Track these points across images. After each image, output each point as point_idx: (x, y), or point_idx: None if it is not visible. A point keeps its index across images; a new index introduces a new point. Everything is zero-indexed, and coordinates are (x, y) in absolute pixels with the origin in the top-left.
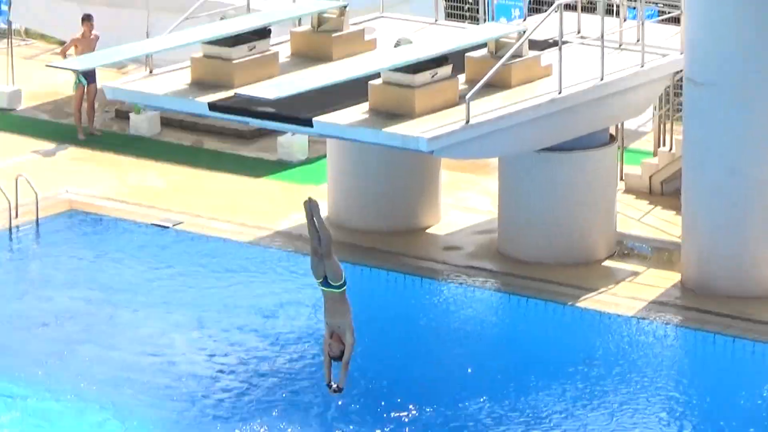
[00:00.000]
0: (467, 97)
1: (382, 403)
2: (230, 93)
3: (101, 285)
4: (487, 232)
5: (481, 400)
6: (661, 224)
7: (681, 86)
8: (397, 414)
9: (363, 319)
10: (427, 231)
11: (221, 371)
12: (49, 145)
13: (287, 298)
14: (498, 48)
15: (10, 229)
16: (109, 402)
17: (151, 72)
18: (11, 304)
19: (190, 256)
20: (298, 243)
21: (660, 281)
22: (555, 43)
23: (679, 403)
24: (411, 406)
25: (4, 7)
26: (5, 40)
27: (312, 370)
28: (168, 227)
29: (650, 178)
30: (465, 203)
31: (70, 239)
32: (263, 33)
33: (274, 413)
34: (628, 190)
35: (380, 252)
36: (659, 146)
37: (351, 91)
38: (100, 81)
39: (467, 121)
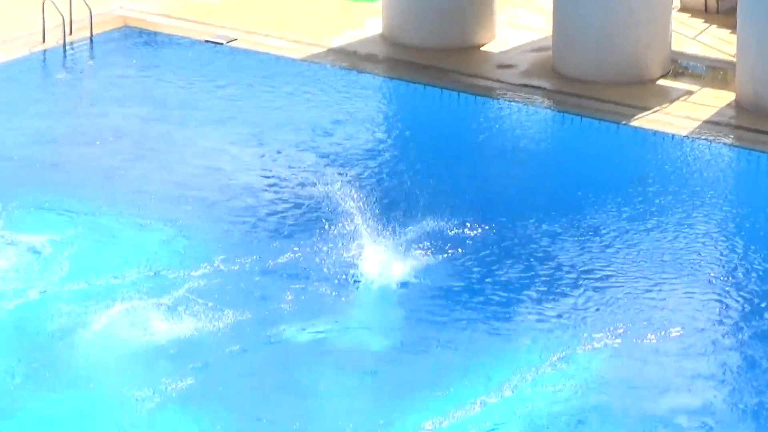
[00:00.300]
0: None
1: (439, 219)
2: None
3: (155, 101)
4: (542, 50)
5: (536, 217)
6: (716, 43)
7: None
8: (454, 231)
9: (418, 136)
10: (482, 48)
11: (275, 186)
12: None
13: (342, 116)
14: None
15: (65, 45)
16: (170, 218)
17: None
18: (66, 121)
19: (244, 73)
20: (352, 59)
21: (714, 100)
22: None
23: (732, 220)
24: (467, 223)
25: None
26: None
27: (365, 185)
28: (222, 44)
29: None
30: (519, 21)
31: (124, 56)
32: None
33: (325, 227)
34: (683, 8)
35: (434, 69)
36: None
37: None
38: None
39: None
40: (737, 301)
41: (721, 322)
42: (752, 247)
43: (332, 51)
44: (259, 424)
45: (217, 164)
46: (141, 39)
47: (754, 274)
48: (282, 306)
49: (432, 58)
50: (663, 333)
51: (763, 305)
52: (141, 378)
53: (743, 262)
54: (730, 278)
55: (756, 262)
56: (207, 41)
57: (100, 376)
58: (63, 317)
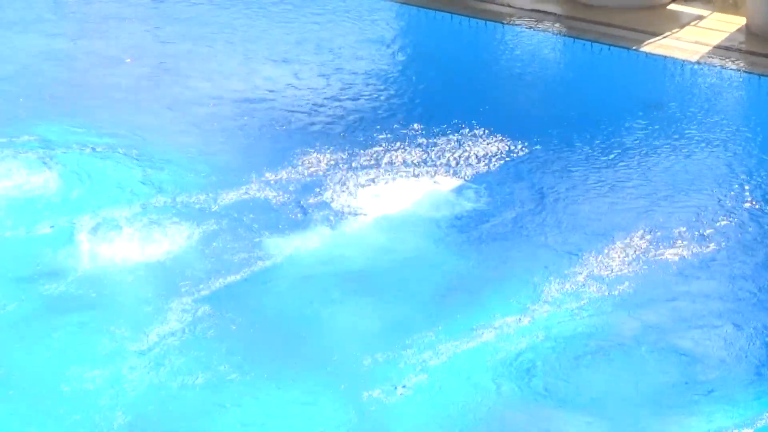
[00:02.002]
0: None
1: (454, 138)
2: None
3: (174, 21)
4: None
5: (550, 138)
6: None
7: None
8: (466, 150)
9: (430, 62)
10: None
11: (292, 104)
12: None
13: (356, 40)
14: None
15: None
16: (196, 139)
17: None
18: (83, 42)
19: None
20: None
21: (724, 26)
22: None
23: (741, 145)
24: (481, 142)
25: None
26: None
27: (378, 107)
28: None
29: None
30: None
31: None
32: None
33: (342, 135)
34: None
35: None
36: None
37: None
38: None
39: None
40: (757, 226)
41: (731, 244)
42: (763, 171)
43: None
44: (267, 350)
45: (240, 82)
46: None
47: (757, 194)
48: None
49: None
50: (678, 266)
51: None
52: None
53: (757, 185)
54: (744, 201)
55: (759, 183)
56: None
57: (106, 301)
58: (72, 246)
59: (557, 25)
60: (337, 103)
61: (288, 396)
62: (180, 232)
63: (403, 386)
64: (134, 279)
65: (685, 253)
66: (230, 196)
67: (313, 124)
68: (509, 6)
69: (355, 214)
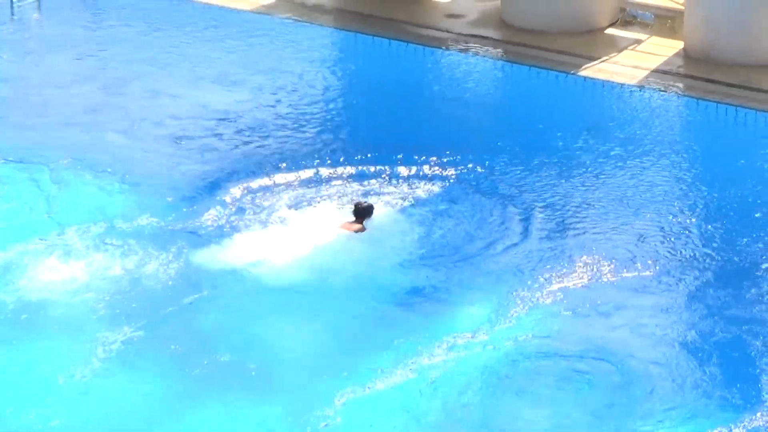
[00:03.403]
0: None
1: (390, 157)
2: None
3: (102, 51)
4: (490, 0)
5: (490, 162)
6: None
7: None
8: (406, 174)
9: (367, 87)
10: None
11: (218, 134)
12: None
13: (289, 67)
14: None
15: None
16: (123, 164)
17: None
18: (25, 65)
19: (193, 25)
20: (300, 10)
21: (662, 49)
22: None
23: (681, 169)
24: (421, 166)
25: None
26: None
27: (314, 134)
28: None
29: None
30: None
31: (75, 7)
32: None
33: (281, 159)
34: None
35: (383, 19)
36: None
37: None
38: None
39: None
40: (692, 246)
41: (670, 264)
42: (704, 193)
43: (281, 2)
44: (219, 370)
45: (165, 109)
46: None
47: (702, 218)
48: (240, 247)
49: (381, 8)
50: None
51: (715, 247)
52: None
53: (692, 206)
54: (681, 223)
55: (703, 206)
56: None
57: (45, 323)
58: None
59: (496, 49)
60: (276, 128)
61: (221, 417)
62: (111, 257)
63: (326, 424)
64: (69, 303)
65: (625, 273)
66: (167, 219)
67: (249, 147)
68: (447, 31)
69: (294, 237)
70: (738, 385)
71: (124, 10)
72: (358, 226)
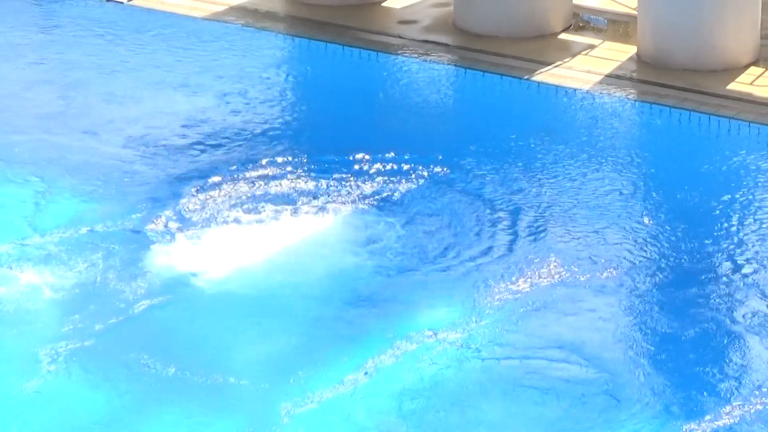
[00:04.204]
0: None
1: (346, 161)
2: None
3: (56, 60)
4: (443, 6)
5: (443, 168)
6: None
7: None
8: (362, 180)
9: (320, 94)
10: (383, 5)
11: (178, 139)
12: None
13: (242, 74)
14: None
15: None
16: (64, 173)
17: None
18: None
19: (144, 32)
20: (253, 17)
21: (616, 54)
22: None
23: (635, 175)
24: (375, 173)
25: None
26: None
27: (267, 141)
28: (122, 2)
29: None
30: None
31: (20, 11)
32: None
33: (236, 166)
34: None
35: (335, 26)
36: None
37: None
38: None
39: None
40: (645, 248)
41: (631, 266)
42: (659, 198)
43: (233, 9)
44: (168, 380)
45: (118, 122)
46: None
47: (660, 220)
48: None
49: (333, 15)
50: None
51: (673, 249)
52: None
53: (649, 209)
54: (639, 225)
55: (660, 209)
56: (108, 0)
57: None
58: None
59: (449, 55)
60: (234, 134)
61: (175, 426)
62: (65, 262)
63: None
64: (20, 309)
65: (587, 275)
66: (126, 225)
67: (209, 152)
68: (400, 37)
69: (253, 241)
70: (699, 386)
71: (78, 17)
72: None
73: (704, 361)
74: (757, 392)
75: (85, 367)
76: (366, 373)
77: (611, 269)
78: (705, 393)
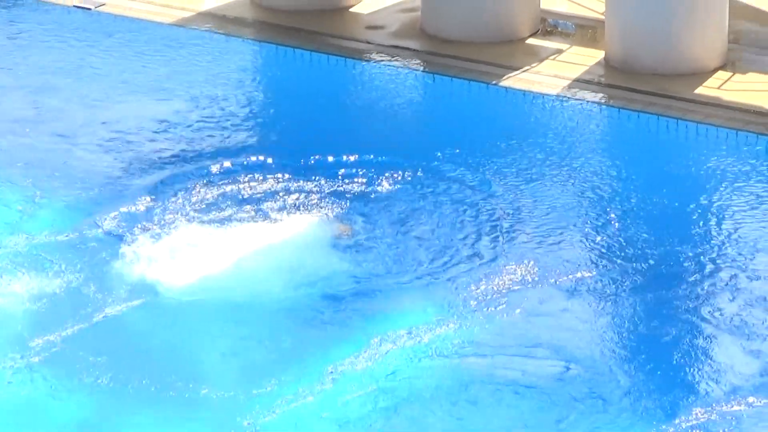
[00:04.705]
0: None
1: (316, 167)
2: None
3: (25, 66)
4: (411, 11)
5: (411, 173)
6: (584, 0)
7: None
8: (331, 186)
9: (288, 99)
10: (350, 10)
11: (142, 148)
12: None
13: (211, 80)
14: None
15: None
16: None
17: None
18: None
19: (113, 38)
20: (220, 23)
21: (584, 59)
22: None
23: (604, 179)
24: (344, 179)
25: None
26: None
27: (235, 146)
28: (90, 9)
29: None
30: None
31: None
32: None
33: (206, 173)
34: None
35: (303, 32)
36: None
37: None
38: None
39: None
40: (614, 251)
41: (602, 269)
42: (628, 200)
43: (201, 15)
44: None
45: (79, 130)
46: (8, 3)
47: (630, 223)
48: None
49: (301, 21)
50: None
51: (643, 252)
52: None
53: (620, 213)
54: (609, 228)
55: (630, 212)
56: (75, 6)
57: None
58: None
59: (416, 60)
60: (199, 142)
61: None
62: (35, 267)
63: None
64: None
65: (553, 280)
66: (96, 230)
67: (177, 159)
68: (368, 42)
69: (225, 245)
70: (672, 386)
71: (46, 24)
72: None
73: (676, 361)
74: (731, 394)
75: (53, 373)
76: (338, 377)
77: (582, 272)
78: (679, 394)
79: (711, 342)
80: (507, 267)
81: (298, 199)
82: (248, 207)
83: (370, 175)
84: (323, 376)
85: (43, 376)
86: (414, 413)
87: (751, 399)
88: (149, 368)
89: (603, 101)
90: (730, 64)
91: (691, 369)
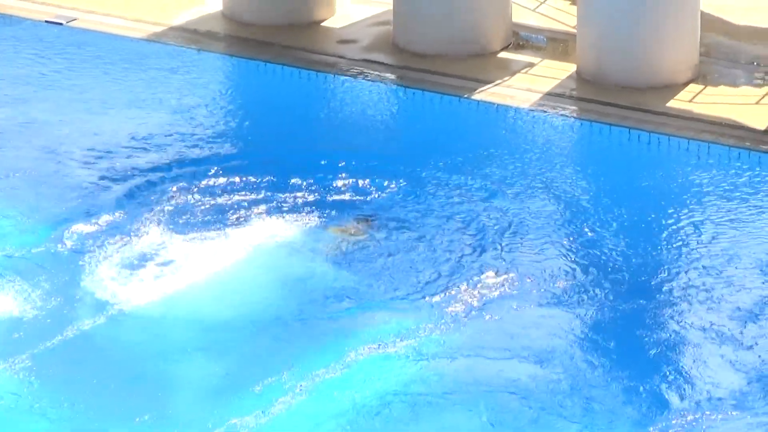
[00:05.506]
0: None
1: (286, 178)
2: None
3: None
4: (383, 24)
5: (384, 188)
6: (556, 14)
7: None
8: (297, 186)
9: (260, 113)
10: (322, 24)
11: (112, 161)
12: None
13: (182, 95)
14: None
15: None
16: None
17: None
18: None
19: (83, 53)
20: (192, 38)
21: (555, 72)
22: None
23: (577, 192)
24: (318, 193)
25: None
26: None
27: (206, 161)
28: (62, 24)
29: None
30: None
31: None
32: None
33: (179, 188)
34: None
35: (275, 46)
36: None
37: None
38: None
39: None
40: (588, 263)
41: (579, 280)
42: (599, 215)
43: (173, 29)
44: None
45: (57, 144)
46: None
47: (597, 238)
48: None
49: (273, 35)
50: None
51: (620, 263)
52: None
53: (594, 225)
54: (575, 241)
55: (599, 226)
56: (47, 21)
57: None
58: None
59: (389, 74)
60: (172, 156)
61: None
62: (6, 284)
63: None
64: None
65: (531, 290)
66: (63, 246)
67: (151, 173)
68: (340, 57)
69: (199, 260)
70: (649, 394)
71: (17, 38)
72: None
73: (652, 370)
74: (707, 403)
75: (21, 390)
76: (312, 390)
77: (557, 282)
78: (654, 403)
79: (686, 351)
80: (482, 277)
81: (270, 212)
82: (222, 220)
83: (343, 188)
84: (298, 389)
85: (11, 392)
86: (393, 423)
87: (731, 411)
88: (119, 385)
89: (575, 114)
90: (701, 77)
91: (667, 378)
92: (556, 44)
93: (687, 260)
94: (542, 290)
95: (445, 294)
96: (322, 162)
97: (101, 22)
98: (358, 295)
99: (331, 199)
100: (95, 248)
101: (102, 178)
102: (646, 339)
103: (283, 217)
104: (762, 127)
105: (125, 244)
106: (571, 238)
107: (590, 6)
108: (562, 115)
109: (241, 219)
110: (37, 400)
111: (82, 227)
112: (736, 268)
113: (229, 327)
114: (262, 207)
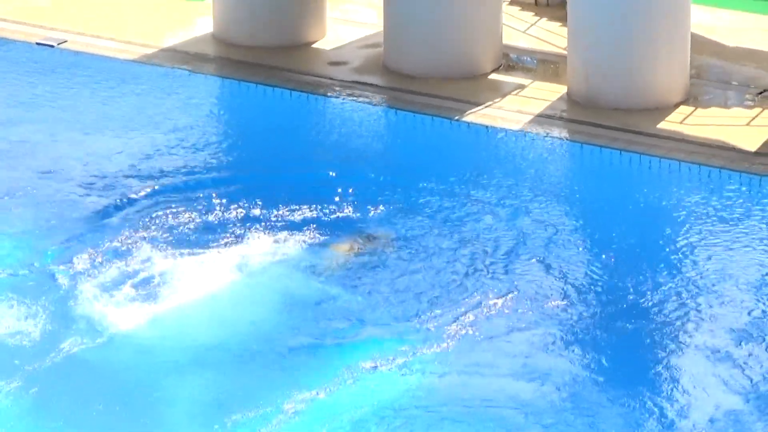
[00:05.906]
0: None
1: (277, 200)
2: None
3: None
4: (373, 47)
5: (375, 209)
6: (546, 36)
7: None
8: (287, 208)
9: (251, 135)
10: (313, 46)
11: (103, 186)
12: None
13: (172, 117)
14: None
15: None
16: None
17: None
18: None
19: (74, 76)
20: (183, 59)
21: (546, 94)
22: None
23: (567, 214)
24: (311, 214)
25: None
26: None
27: (196, 184)
28: (53, 46)
29: None
30: (351, 17)
31: None
32: None
33: (169, 209)
34: (513, 2)
35: (266, 67)
36: None
37: None
38: None
39: None
40: (580, 285)
41: (570, 298)
42: (590, 237)
43: (163, 51)
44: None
45: (44, 165)
46: None
47: (588, 259)
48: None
49: (263, 57)
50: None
51: (601, 287)
52: None
53: (578, 249)
54: (568, 262)
55: (589, 248)
56: (38, 43)
57: None
58: None
59: (379, 96)
60: (163, 178)
61: None
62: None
63: None
64: None
65: (522, 311)
66: (59, 268)
67: (141, 194)
68: (331, 78)
69: (188, 280)
70: (643, 411)
71: (7, 60)
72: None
73: (646, 387)
74: (700, 422)
75: (14, 413)
76: (305, 409)
77: (548, 302)
78: (648, 421)
79: (681, 370)
80: (479, 295)
81: (262, 231)
82: (214, 240)
83: (334, 209)
84: (293, 409)
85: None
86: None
87: (728, 431)
88: (109, 407)
89: (566, 136)
90: (692, 98)
91: (662, 397)
92: (546, 66)
93: (679, 281)
94: (537, 309)
95: (443, 312)
96: (313, 183)
97: (91, 44)
98: (353, 314)
99: (322, 218)
100: (87, 268)
101: (94, 198)
102: (640, 358)
103: (275, 237)
104: (753, 149)
105: (118, 265)
106: (564, 259)
107: (581, 28)
108: (552, 136)
109: (233, 239)
110: (26, 421)
111: (74, 247)
112: (729, 288)
113: (223, 346)
114: (254, 227)
